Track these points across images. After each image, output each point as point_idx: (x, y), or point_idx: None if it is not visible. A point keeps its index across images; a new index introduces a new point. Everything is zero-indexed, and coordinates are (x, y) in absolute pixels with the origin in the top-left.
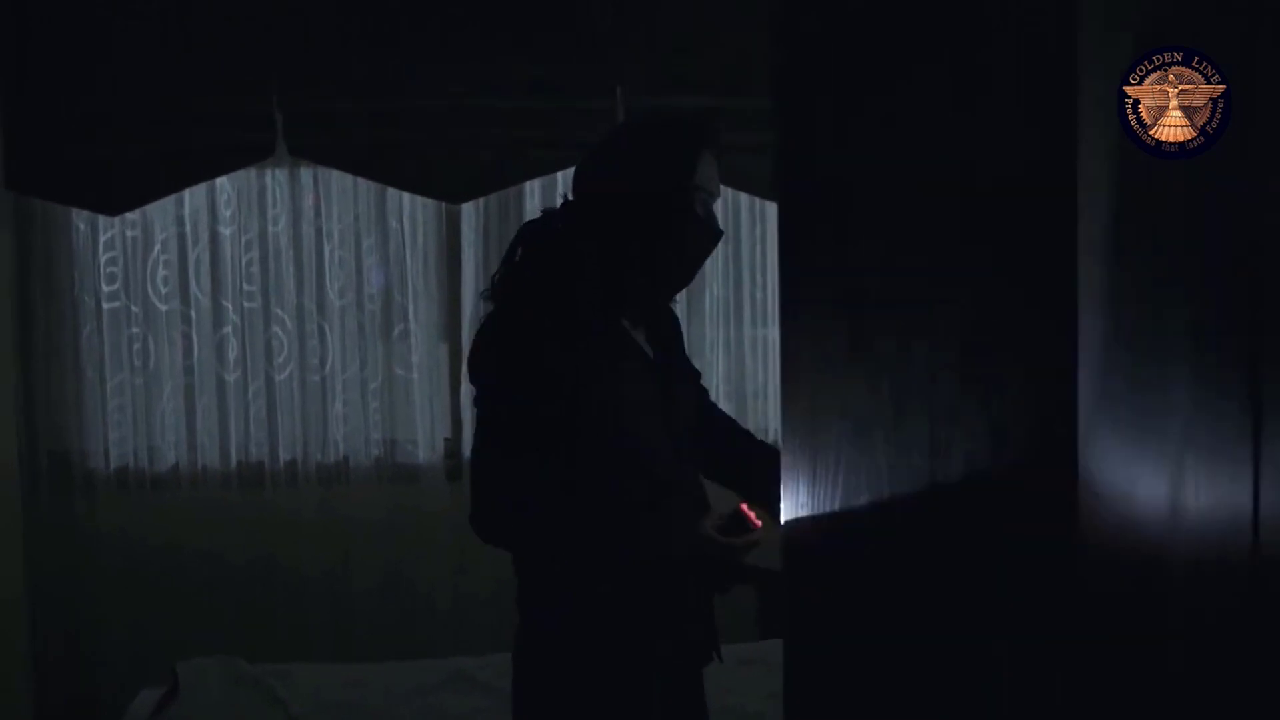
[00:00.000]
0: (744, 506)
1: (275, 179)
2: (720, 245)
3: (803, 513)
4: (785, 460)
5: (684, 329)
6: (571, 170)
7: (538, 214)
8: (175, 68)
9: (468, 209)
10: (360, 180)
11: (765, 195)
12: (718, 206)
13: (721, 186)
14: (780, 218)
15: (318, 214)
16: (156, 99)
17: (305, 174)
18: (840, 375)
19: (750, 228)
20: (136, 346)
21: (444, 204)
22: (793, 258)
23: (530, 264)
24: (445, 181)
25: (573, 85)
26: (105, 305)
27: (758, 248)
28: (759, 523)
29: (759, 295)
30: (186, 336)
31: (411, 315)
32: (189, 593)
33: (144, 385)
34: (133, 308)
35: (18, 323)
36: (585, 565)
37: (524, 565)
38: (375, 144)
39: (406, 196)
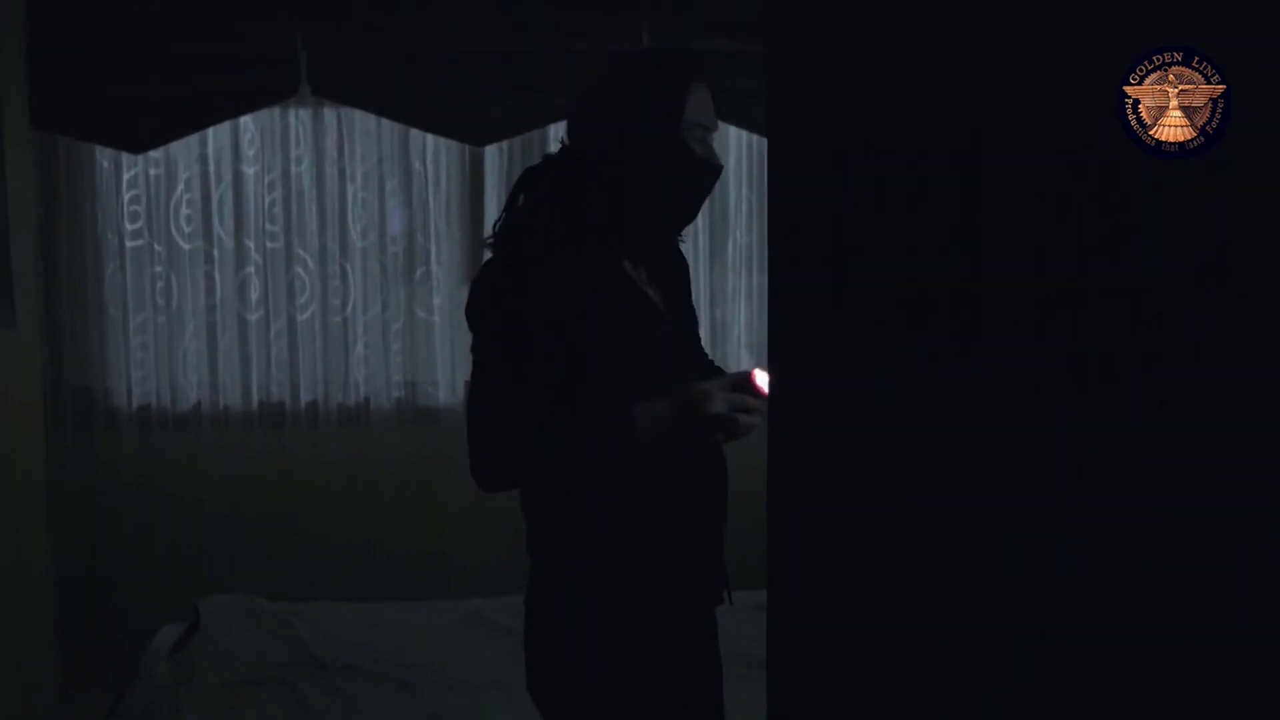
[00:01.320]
0: (755, 372)
1: (299, 119)
2: (744, 191)
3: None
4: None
5: (704, 276)
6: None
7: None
8: (200, 6)
9: (491, 151)
10: (384, 121)
11: None
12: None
13: (746, 133)
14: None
15: (340, 154)
16: (181, 37)
17: (329, 114)
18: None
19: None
20: (159, 285)
21: (467, 146)
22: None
23: (531, 209)
24: (469, 123)
25: (598, 28)
26: (128, 244)
27: None
28: (765, 391)
29: None
30: (209, 276)
31: (433, 257)
32: (209, 531)
33: (166, 324)
34: (156, 246)
35: (42, 261)
36: (592, 494)
37: (533, 508)
38: (399, 85)
39: (430, 138)
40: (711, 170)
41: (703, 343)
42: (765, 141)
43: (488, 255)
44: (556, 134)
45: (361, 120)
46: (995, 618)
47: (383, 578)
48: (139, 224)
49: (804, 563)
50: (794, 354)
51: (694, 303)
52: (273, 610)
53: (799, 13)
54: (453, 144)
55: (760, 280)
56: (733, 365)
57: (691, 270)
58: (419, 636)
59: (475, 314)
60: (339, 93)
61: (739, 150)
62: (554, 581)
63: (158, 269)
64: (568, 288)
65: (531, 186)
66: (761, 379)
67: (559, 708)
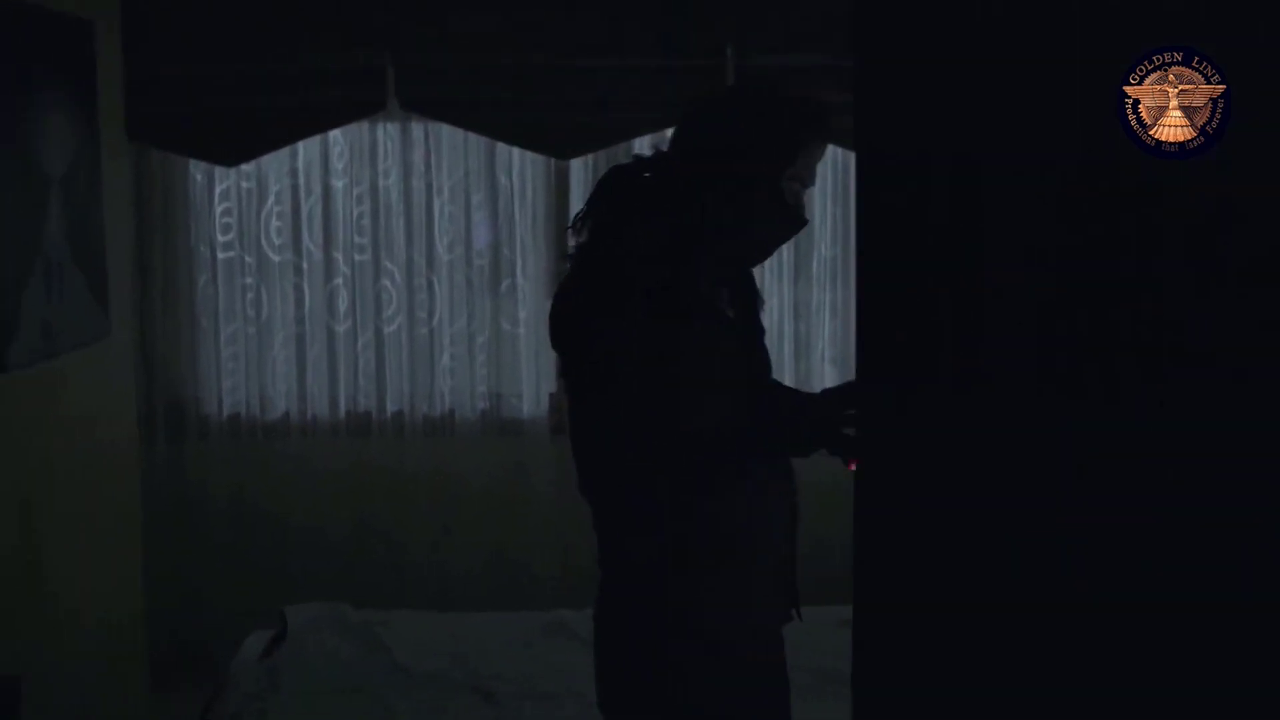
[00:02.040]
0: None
1: (387, 133)
2: (829, 205)
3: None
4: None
5: (788, 290)
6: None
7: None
8: (291, 21)
9: (576, 165)
10: (470, 135)
11: None
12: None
13: (831, 146)
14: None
15: (428, 168)
16: (272, 52)
17: (416, 128)
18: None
19: (857, 189)
20: (250, 296)
21: (553, 160)
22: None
23: (612, 214)
24: (555, 137)
25: (684, 43)
26: (220, 255)
27: None
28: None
29: None
30: (298, 287)
31: (519, 270)
32: (296, 539)
33: (256, 335)
34: (247, 258)
35: (136, 271)
36: (666, 511)
37: (605, 523)
38: (486, 99)
39: (516, 152)
40: (796, 223)
41: (781, 356)
42: (851, 155)
43: (569, 262)
44: (641, 148)
45: (449, 134)
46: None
47: (466, 588)
48: (230, 236)
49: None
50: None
51: (774, 317)
52: (359, 619)
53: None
54: (538, 158)
55: (845, 294)
56: (815, 381)
57: (774, 284)
58: (503, 647)
59: (571, 331)
60: (427, 107)
61: (823, 164)
62: (624, 598)
63: (248, 280)
64: (661, 311)
65: (617, 190)
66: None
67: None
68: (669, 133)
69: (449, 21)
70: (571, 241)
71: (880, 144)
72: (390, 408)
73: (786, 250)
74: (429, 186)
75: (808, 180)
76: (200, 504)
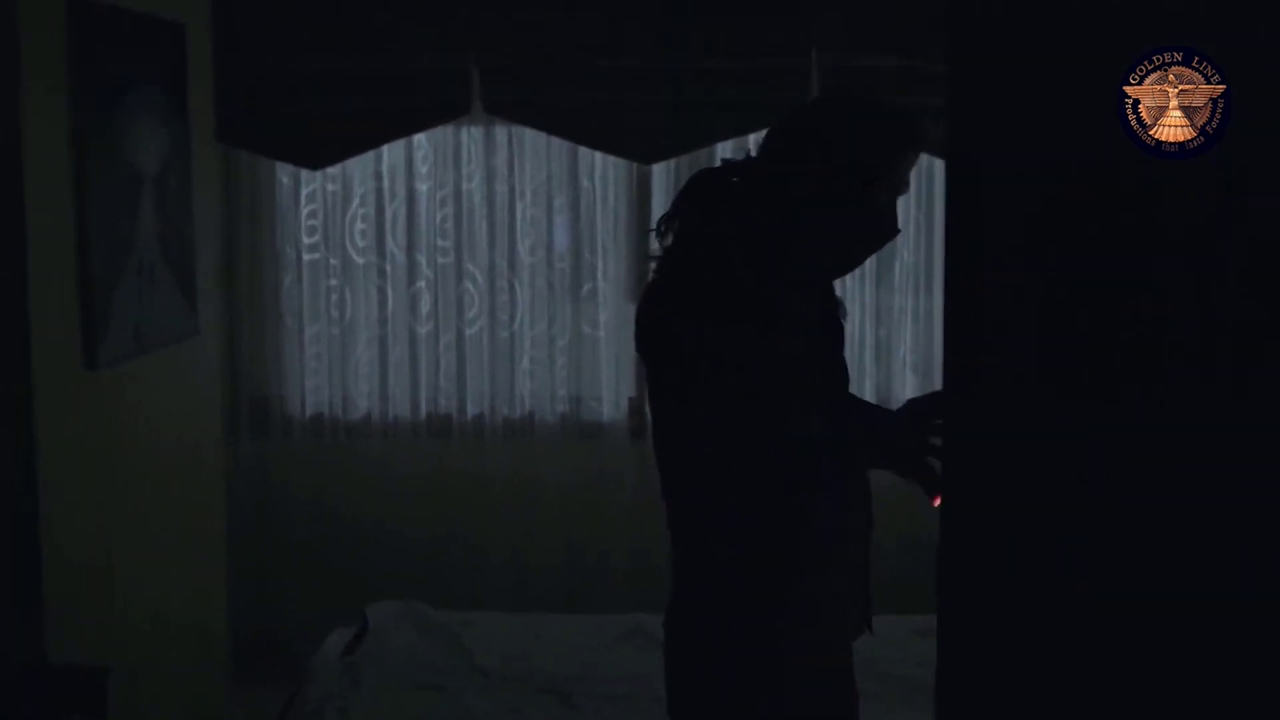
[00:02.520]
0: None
1: (471, 136)
2: (912, 211)
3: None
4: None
5: (869, 295)
6: (763, 132)
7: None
8: (377, 25)
9: (659, 169)
10: (553, 139)
11: None
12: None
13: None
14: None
15: (511, 171)
16: (358, 57)
17: (500, 132)
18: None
19: (944, 194)
20: (334, 298)
21: (635, 164)
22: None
23: (699, 218)
24: (637, 141)
25: (767, 46)
26: (305, 257)
27: None
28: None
29: None
30: (381, 289)
31: (600, 274)
32: (376, 538)
33: (340, 336)
34: (331, 260)
35: (224, 271)
36: (742, 520)
37: (680, 530)
38: (569, 103)
39: (598, 156)
40: (889, 232)
41: (862, 362)
42: (935, 160)
43: (654, 265)
44: (724, 152)
45: (532, 138)
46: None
47: (545, 590)
48: (315, 238)
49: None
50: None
51: (855, 323)
52: (438, 619)
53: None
54: (620, 162)
55: (927, 301)
56: (896, 387)
57: (856, 289)
58: (581, 649)
59: (663, 333)
60: (510, 111)
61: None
62: (696, 603)
63: (333, 282)
64: (747, 319)
65: (702, 194)
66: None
67: None
68: (752, 138)
69: (533, 25)
70: (655, 245)
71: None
72: (471, 410)
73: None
74: (511, 190)
75: (902, 188)
76: (283, 503)
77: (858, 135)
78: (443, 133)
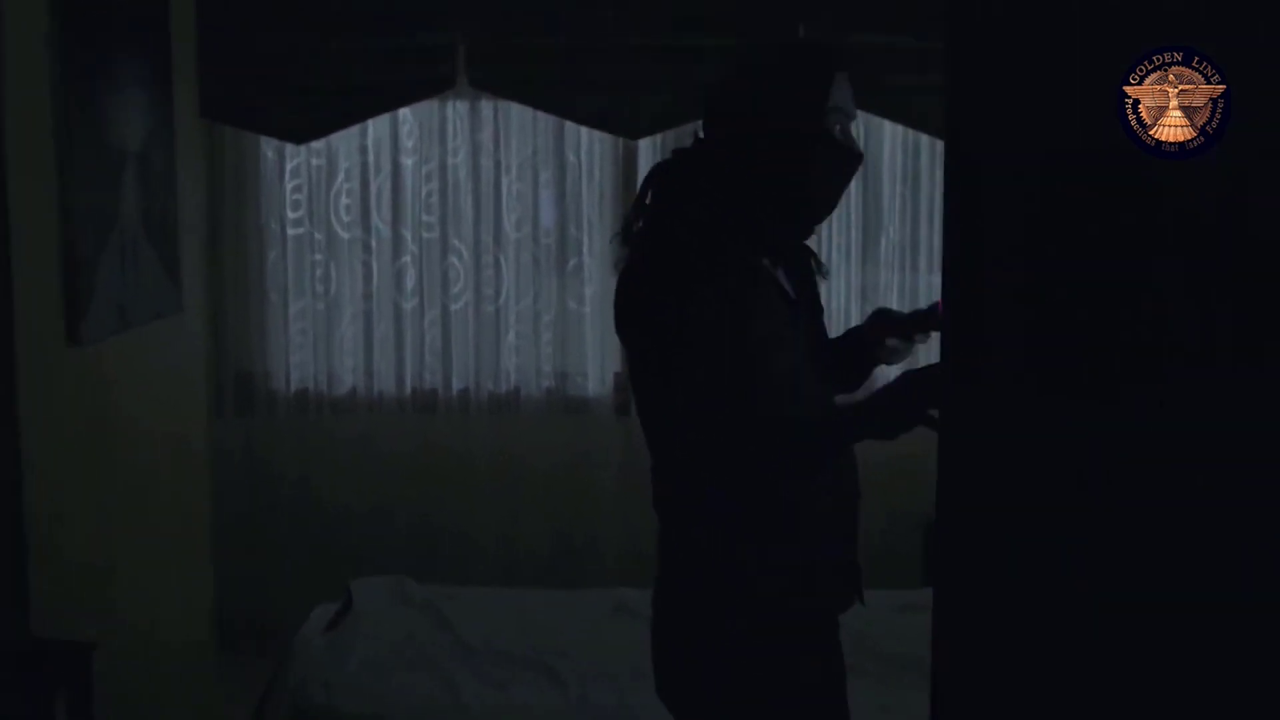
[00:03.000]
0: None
1: (456, 111)
2: (897, 187)
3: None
4: None
5: (855, 273)
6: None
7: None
8: (363, 0)
9: (644, 145)
10: (539, 114)
11: (943, 137)
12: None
13: (900, 128)
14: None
15: (496, 146)
16: (343, 31)
17: (486, 107)
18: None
19: (930, 170)
20: (319, 273)
21: (621, 139)
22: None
23: (664, 207)
24: (623, 117)
25: (754, 22)
26: (290, 232)
27: (936, 190)
28: None
29: (935, 240)
30: (366, 264)
31: (585, 249)
32: (361, 514)
33: (325, 311)
34: (316, 235)
35: (207, 247)
36: (731, 498)
37: (668, 509)
38: (555, 78)
39: (584, 131)
40: (852, 157)
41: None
42: (921, 135)
43: (625, 253)
44: None
45: (518, 113)
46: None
47: (530, 565)
48: (300, 213)
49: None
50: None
51: (841, 299)
52: (423, 594)
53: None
54: (606, 137)
55: (913, 278)
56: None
57: (842, 266)
58: (566, 624)
59: (643, 318)
60: (496, 86)
61: (892, 145)
62: (685, 584)
63: (317, 257)
64: (728, 293)
65: (662, 183)
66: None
67: (689, 711)
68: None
69: (518, 0)
70: (622, 245)
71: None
72: (456, 385)
73: (854, 232)
74: (497, 165)
75: (850, 112)
76: (268, 478)
77: (783, 73)
78: (428, 107)
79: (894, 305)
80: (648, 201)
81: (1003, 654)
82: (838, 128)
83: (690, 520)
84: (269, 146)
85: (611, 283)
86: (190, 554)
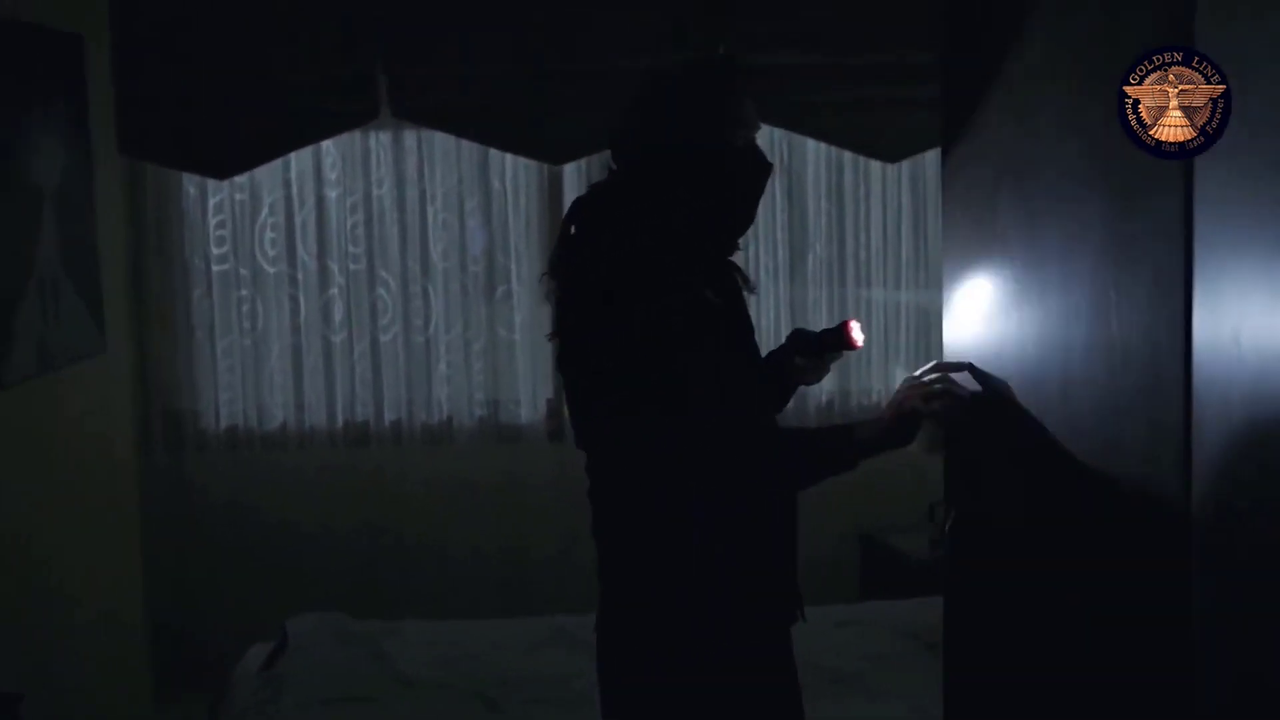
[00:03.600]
0: (850, 324)
1: (379, 142)
2: (823, 204)
3: None
4: None
5: (783, 290)
6: None
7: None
8: (281, 33)
9: (569, 170)
10: (463, 142)
11: (868, 154)
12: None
13: (823, 145)
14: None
15: (421, 176)
16: (263, 64)
17: (409, 136)
18: None
19: (854, 187)
20: (245, 308)
21: (546, 165)
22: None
23: (590, 238)
24: (547, 143)
25: (675, 44)
26: (215, 268)
27: (861, 206)
28: (858, 343)
29: (862, 255)
30: (293, 298)
31: (514, 276)
32: (297, 549)
33: (253, 346)
34: (241, 270)
35: (132, 286)
36: (672, 518)
37: (607, 533)
38: (477, 106)
39: (509, 158)
40: (762, 168)
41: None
42: (842, 152)
43: (549, 287)
44: None
45: (441, 141)
46: None
47: (469, 594)
48: (225, 249)
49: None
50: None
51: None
52: (360, 629)
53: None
54: (531, 163)
55: (841, 293)
56: None
57: (770, 283)
58: (505, 653)
59: (590, 348)
60: (418, 115)
61: (816, 163)
62: (630, 607)
63: (243, 292)
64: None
65: (583, 216)
66: (857, 332)
67: None
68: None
69: (439, 30)
70: (549, 283)
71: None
72: (388, 416)
73: (781, 250)
74: (422, 194)
75: (750, 124)
76: (201, 516)
77: (679, 93)
78: (350, 138)
79: (824, 320)
80: (572, 233)
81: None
82: (741, 140)
83: (638, 542)
84: (191, 182)
85: (542, 310)
86: (123, 597)
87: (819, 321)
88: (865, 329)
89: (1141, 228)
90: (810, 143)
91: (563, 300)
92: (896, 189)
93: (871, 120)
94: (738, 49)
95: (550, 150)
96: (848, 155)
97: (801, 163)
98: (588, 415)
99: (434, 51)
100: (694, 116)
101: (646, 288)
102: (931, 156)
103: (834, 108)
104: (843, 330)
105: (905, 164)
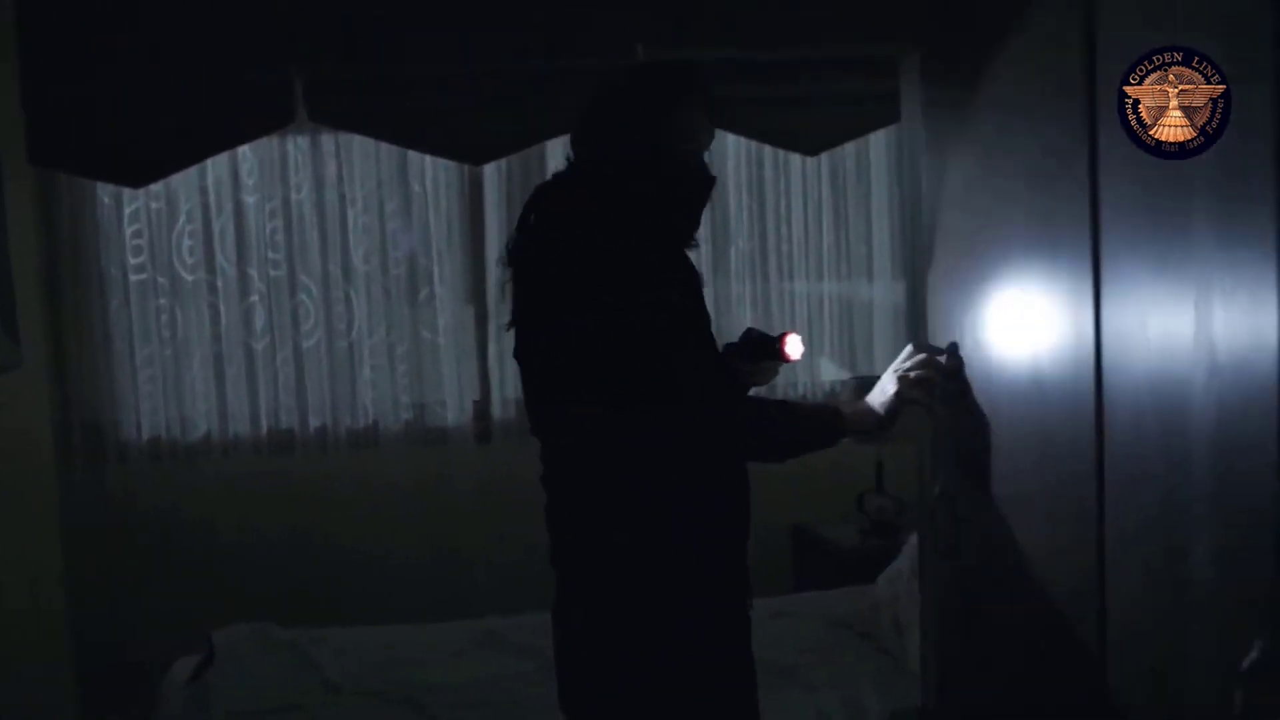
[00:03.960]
0: (787, 337)
1: (297, 146)
2: (744, 199)
3: None
4: None
5: (709, 284)
6: None
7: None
8: (194, 37)
9: (490, 170)
10: (382, 145)
11: (788, 147)
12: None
13: (744, 140)
14: None
15: (340, 179)
16: (176, 69)
17: (326, 140)
18: None
19: (774, 181)
20: (164, 318)
21: (466, 166)
22: None
23: (548, 229)
24: (466, 144)
25: (593, 44)
26: (132, 277)
27: (781, 200)
28: (792, 358)
29: (784, 248)
30: (213, 306)
31: (437, 278)
32: (223, 560)
33: (173, 356)
34: (159, 279)
35: (47, 297)
36: (627, 505)
37: (560, 522)
38: (395, 108)
39: (428, 160)
40: (703, 181)
41: None
42: (763, 147)
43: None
44: (553, 151)
45: (360, 144)
46: None
47: (398, 599)
48: (142, 258)
49: None
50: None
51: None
52: (288, 638)
53: None
54: (451, 165)
55: (764, 286)
56: None
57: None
58: (434, 657)
59: (556, 336)
60: (335, 119)
61: (737, 158)
62: (585, 595)
63: (162, 301)
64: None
65: (543, 204)
66: (793, 345)
67: None
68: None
69: (354, 32)
70: (504, 268)
71: None
72: (313, 423)
73: (704, 245)
74: (342, 198)
75: (698, 138)
76: (124, 529)
77: (630, 99)
78: (268, 143)
79: (746, 314)
80: (531, 222)
81: None
82: (687, 150)
83: (596, 527)
84: (105, 191)
85: (465, 311)
86: (45, 613)
87: (743, 316)
88: (788, 326)
89: None
90: (730, 137)
91: (520, 289)
92: (816, 182)
93: (790, 114)
94: (658, 45)
95: (469, 152)
96: (767, 149)
97: (721, 158)
98: (546, 402)
99: (348, 55)
100: (632, 122)
101: (605, 279)
102: (850, 149)
103: (752, 103)
104: (779, 342)
105: (824, 157)
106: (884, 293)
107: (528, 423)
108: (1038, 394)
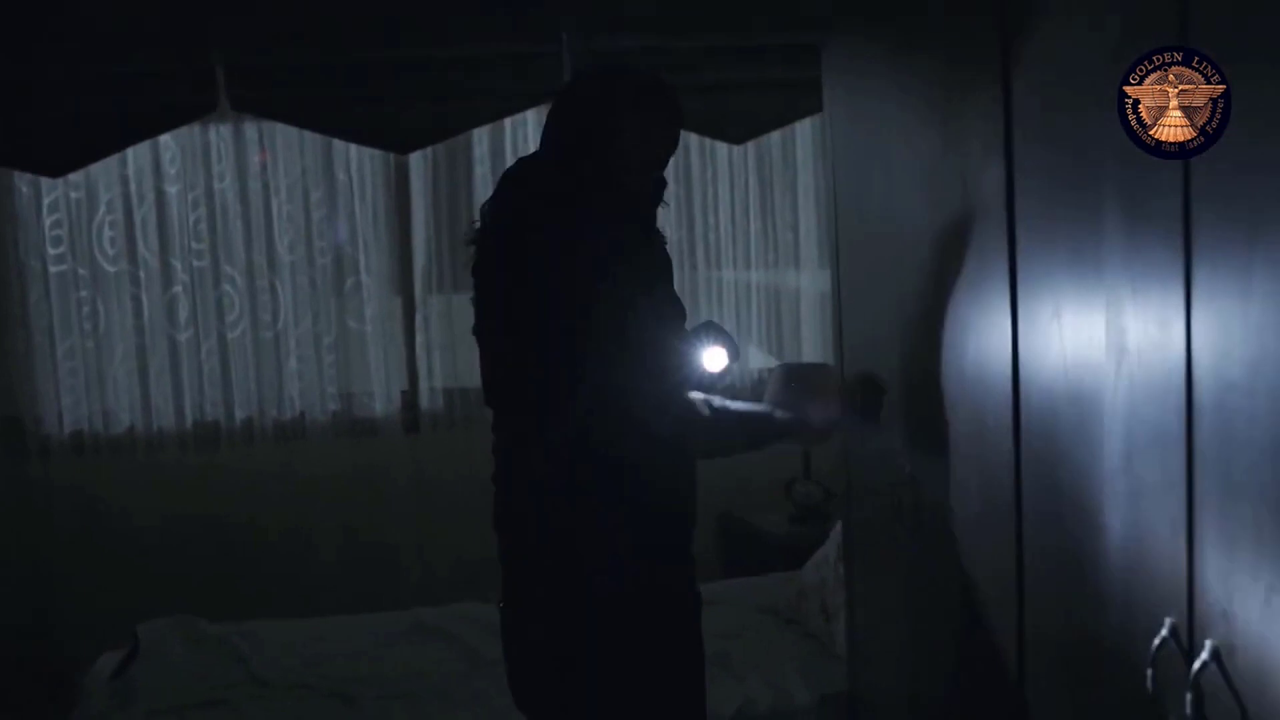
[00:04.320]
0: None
1: (219, 135)
2: (672, 187)
3: None
4: None
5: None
6: (519, 117)
7: (485, 161)
8: (113, 25)
9: (416, 159)
10: (306, 133)
11: (714, 135)
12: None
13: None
14: None
15: (264, 168)
16: (95, 57)
17: (250, 128)
18: None
19: (701, 169)
20: (85, 309)
21: (392, 155)
22: None
23: (516, 212)
24: (392, 132)
25: (518, 31)
26: (52, 269)
27: (709, 189)
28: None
29: (711, 237)
30: (136, 298)
31: (363, 268)
32: (148, 554)
33: (95, 348)
34: (80, 270)
35: None
36: (575, 498)
37: (509, 518)
38: (319, 96)
39: (353, 148)
40: (655, 184)
41: None
42: (688, 135)
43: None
44: (480, 139)
45: (283, 133)
46: None
47: (326, 591)
48: (61, 249)
49: None
50: None
51: None
52: (214, 631)
53: None
54: (377, 153)
55: (693, 275)
56: None
57: None
58: (363, 649)
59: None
60: (258, 107)
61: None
62: (536, 586)
63: (83, 293)
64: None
65: (513, 186)
66: (711, 358)
67: (549, 711)
68: (508, 122)
69: (277, 19)
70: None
71: None
72: (239, 415)
73: None
74: (266, 187)
75: (646, 146)
76: (47, 525)
77: (588, 104)
78: (190, 132)
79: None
80: (499, 205)
81: None
82: (635, 157)
83: (524, 521)
84: (23, 181)
85: (392, 301)
86: None
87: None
88: (715, 314)
89: None
90: None
91: (484, 269)
92: (743, 170)
93: (716, 102)
94: (584, 32)
95: (395, 140)
96: (694, 137)
97: None
98: (506, 372)
99: (271, 42)
100: (581, 123)
101: (570, 262)
102: (776, 137)
103: (678, 91)
104: (703, 350)
105: (750, 145)
106: (811, 281)
107: (481, 396)
108: (960, 382)
